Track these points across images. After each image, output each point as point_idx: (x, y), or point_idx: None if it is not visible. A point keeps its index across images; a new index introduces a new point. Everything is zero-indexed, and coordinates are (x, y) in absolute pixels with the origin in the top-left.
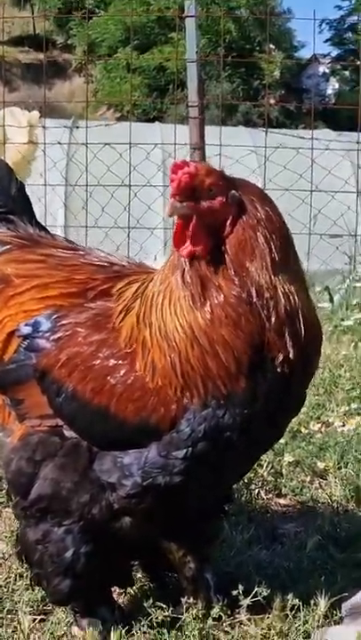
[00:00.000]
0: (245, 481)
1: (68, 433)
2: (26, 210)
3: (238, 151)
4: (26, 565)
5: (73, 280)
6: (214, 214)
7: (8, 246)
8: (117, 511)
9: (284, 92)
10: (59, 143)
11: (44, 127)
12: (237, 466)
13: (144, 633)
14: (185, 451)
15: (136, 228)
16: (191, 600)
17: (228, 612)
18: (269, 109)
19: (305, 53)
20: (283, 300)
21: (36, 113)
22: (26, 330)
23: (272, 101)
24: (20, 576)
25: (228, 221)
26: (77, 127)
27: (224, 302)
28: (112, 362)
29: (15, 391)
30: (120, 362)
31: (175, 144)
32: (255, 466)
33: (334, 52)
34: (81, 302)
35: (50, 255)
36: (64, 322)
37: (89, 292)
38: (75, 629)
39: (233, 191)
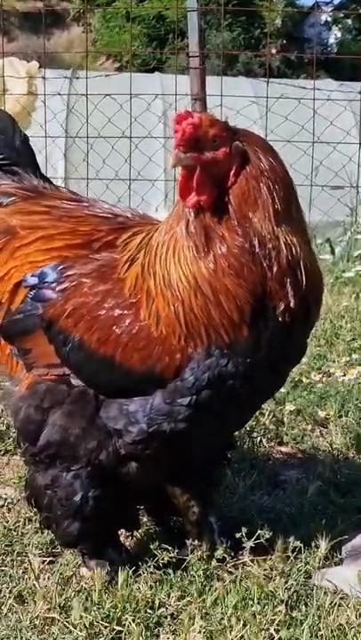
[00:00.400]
0: (248, 429)
1: (75, 381)
2: (30, 162)
3: (240, 102)
4: (35, 509)
5: (78, 231)
6: (218, 165)
7: (13, 198)
8: (124, 457)
9: (286, 41)
10: (59, 94)
11: (43, 78)
12: (240, 413)
13: (150, 573)
14: (189, 398)
15: (137, 180)
16: (196, 542)
17: (232, 554)
18: (271, 59)
19: (307, 1)
20: (285, 250)
21: (35, 63)
22: (32, 280)
23: (273, 51)
24: (29, 520)
25: (232, 172)
26: (77, 78)
27: (227, 252)
28: (117, 312)
29: (22, 341)
30: (125, 312)
31: (176, 95)
32: (257, 414)
33: (337, 0)
34: (86, 253)
35: (54, 207)
36: (70, 273)
37: (94, 244)
38: (83, 570)
39: (237, 142)
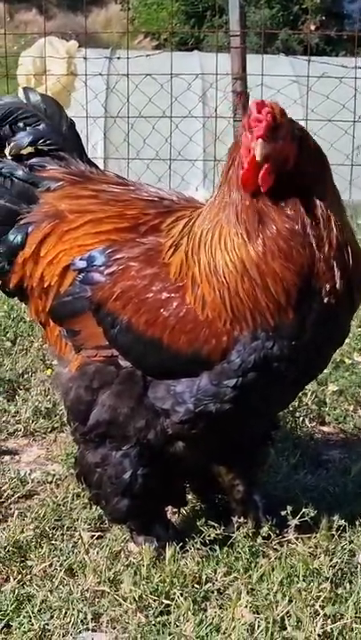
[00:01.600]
0: (291, 409)
1: (123, 362)
2: (76, 147)
3: (279, 81)
4: (84, 486)
5: (125, 215)
6: (283, 152)
7: (61, 182)
8: (171, 436)
9: (325, 17)
10: (100, 74)
11: (85, 58)
12: (284, 394)
13: (197, 550)
14: (235, 380)
15: (177, 160)
16: (241, 519)
17: (277, 532)
18: (310, 36)
19: None
20: (335, 231)
21: (74, 42)
22: (81, 264)
23: (312, 27)
24: (77, 495)
25: (291, 158)
26: (118, 58)
27: (277, 235)
28: (164, 295)
29: (71, 323)
30: (172, 295)
31: (217, 74)
32: (300, 395)
33: None
34: (133, 237)
35: (102, 191)
36: (117, 256)
37: (141, 227)
38: (131, 546)
39: (295, 128)
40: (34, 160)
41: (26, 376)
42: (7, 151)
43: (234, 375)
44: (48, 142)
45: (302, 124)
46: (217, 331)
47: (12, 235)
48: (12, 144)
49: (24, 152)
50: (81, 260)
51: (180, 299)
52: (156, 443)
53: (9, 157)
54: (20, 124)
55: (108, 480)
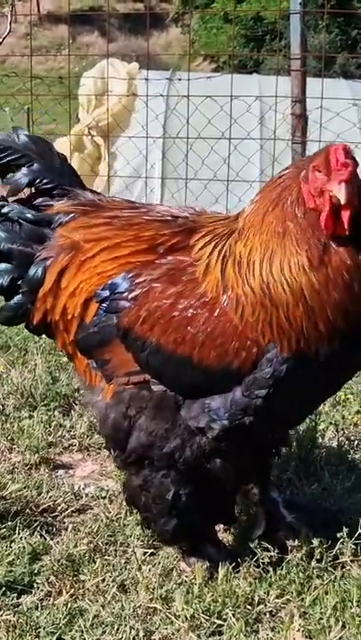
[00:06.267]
0: (344, 432)
1: (155, 387)
2: (75, 179)
3: (338, 104)
4: (134, 510)
5: (141, 237)
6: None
7: (72, 214)
8: (208, 453)
9: None
10: (160, 95)
11: (146, 79)
12: (311, 404)
13: (250, 571)
14: (267, 390)
15: (234, 181)
16: (263, 521)
17: (331, 554)
18: None
19: None
20: None
21: (135, 65)
22: (104, 293)
23: None
24: (131, 512)
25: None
26: (180, 80)
27: (340, 267)
28: (191, 312)
29: (100, 352)
30: (199, 311)
31: (276, 96)
32: (355, 420)
33: None
34: (152, 258)
35: (114, 217)
36: (139, 280)
37: (159, 248)
38: (183, 565)
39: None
40: (39, 200)
41: (81, 391)
42: (6, 194)
43: (265, 385)
44: (45, 181)
45: None
46: (246, 343)
47: (31, 271)
48: (9, 186)
49: (22, 195)
50: (103, 289)
51: (206, 314)
52: (194, 461)
53: (9, 201)
54: (13, 164)
55: (152, 502)
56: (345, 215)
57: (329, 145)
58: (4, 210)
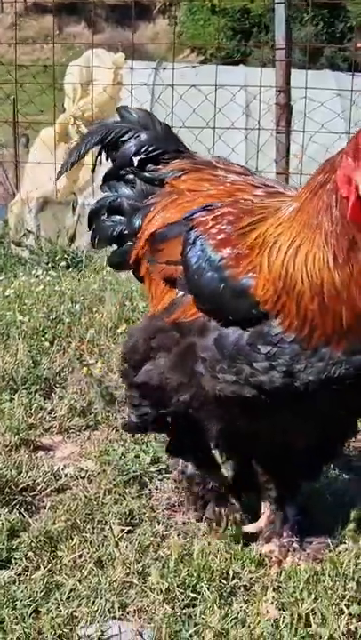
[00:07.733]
0: None
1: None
2: (180, 144)
3: (323, 94)
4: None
5: (234, 194)
6: None
7: (185, 171)
8: (206, 396)
9: None
10: (145, 84)
11: (131, 69)
12: (321, 415)
13: (226, 546)
14: (269, 348)
15: None
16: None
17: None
18: (355, 53)
19: None
20: None
21: (121, 55)
22: (187, 214)
23: (359, 45)
24: (109, 491)
25: None
26: (164, 69)
27: None
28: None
29: (161, 244)
30: (230, 262)
31: (260, 86)
32: None
33: None
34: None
35: (220, 175)
36: (215, 206)
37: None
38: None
39: None
40: (154, 163)
41: (62, 375)
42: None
43: (269, 343)
44: (152, 148)
45: (344, 137)
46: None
47: (136, 217)
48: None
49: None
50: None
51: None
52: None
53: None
54: (122, 140)
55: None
56: None
57: None
58: (128, 175)
